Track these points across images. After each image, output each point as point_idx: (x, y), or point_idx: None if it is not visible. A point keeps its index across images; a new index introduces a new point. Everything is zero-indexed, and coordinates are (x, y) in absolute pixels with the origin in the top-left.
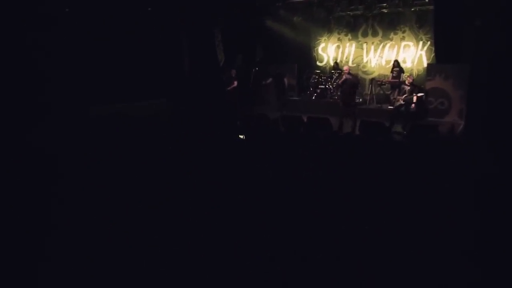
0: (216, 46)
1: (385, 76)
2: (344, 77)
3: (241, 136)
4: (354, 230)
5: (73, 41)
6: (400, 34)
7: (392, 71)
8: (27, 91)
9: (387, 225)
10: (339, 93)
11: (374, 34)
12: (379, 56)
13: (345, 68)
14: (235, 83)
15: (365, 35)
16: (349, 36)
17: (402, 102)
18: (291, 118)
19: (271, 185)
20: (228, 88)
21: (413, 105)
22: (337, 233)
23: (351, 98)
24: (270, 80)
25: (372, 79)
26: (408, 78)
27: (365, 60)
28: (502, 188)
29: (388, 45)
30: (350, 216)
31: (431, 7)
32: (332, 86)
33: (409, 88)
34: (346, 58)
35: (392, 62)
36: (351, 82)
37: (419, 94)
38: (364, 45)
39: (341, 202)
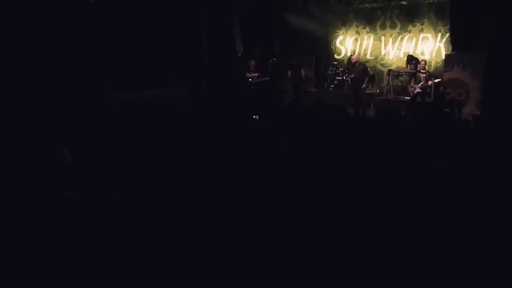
0: (234, 36)
1: (402, 68)
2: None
3: (255, 117)
4: (364, 219)
5: (91, 32)
6: (419, 26)
7: (409, 65)
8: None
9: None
10: (349, 84)
11: (392, 26)
12: (397, 49)
13: (353, 57)
14: (257, 73)
15: (383, 27)
16: (367, 28)
17: (419, 90)
18: (306, 106)
19: (284, 167)
20: (250, 80)
21: (429, 90)
22: (348, 223)
23: (360, 84)
24: (289, 73)
25: (389, 70)
26: (421, 62)
27: (383, 52)
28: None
29: (406, 37)
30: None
31: None
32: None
33: (424, 75)
34: (364, 50)
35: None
36: (361, 71)
37: (436, 80)
38: (382, 38)
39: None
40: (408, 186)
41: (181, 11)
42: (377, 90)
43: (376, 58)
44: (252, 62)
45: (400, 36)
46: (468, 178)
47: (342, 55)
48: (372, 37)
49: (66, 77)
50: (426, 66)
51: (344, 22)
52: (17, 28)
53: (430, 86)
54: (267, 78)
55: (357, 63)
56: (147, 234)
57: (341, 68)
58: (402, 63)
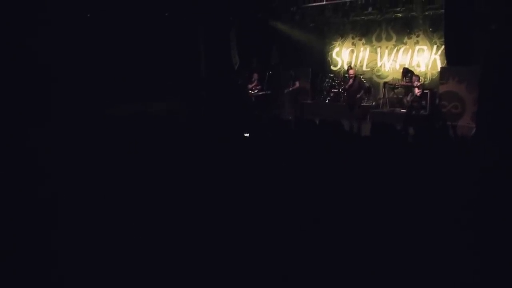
0: (231, 49)
1: (398, 80)
2: (350, 81)
3: (246, 135)
4: (359, 229)
5: (91, 43)
6: (414, 38)
7: (405, 78)
8: (41, 91)
9: (392, 225)
10: (345, 96)
11: (388, 38)
12: (393, 60)
13: (350, 71)
14: (259, 86)
15: (379, 39)
16: (363, 40)
17: (411, 102)
18: (303, 120)
19: (278, 183)
20: (253, 93)
21: (410, 94)
22: (343, 233)
23: (356, 101)
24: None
25: (385, 83)
26: (414, 78)
27: (379, 64)
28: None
29: (402, 49)
30: (354, 215)
31: None
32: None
33: (418, 90)
34: (360, 62)
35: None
36: (356, 85)
37: (416, 89)
38: (378, 50)
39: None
40: (404, 201)
41: (178, 25)
42: (373, 103)
43: (372, 69)
44: (255, 76)
45: (396, 48)
46: (464, 193)
47: (339, 66)
48: (368, 49)
49: (64, 91)
50: (423, 79)
51: (340, 33)
52: (13, 41)
53: (422, 97)
54: (269, 92)
55: (354, 77)
56: (147, 244)
57: (337, 80)
58: (398, 75)
